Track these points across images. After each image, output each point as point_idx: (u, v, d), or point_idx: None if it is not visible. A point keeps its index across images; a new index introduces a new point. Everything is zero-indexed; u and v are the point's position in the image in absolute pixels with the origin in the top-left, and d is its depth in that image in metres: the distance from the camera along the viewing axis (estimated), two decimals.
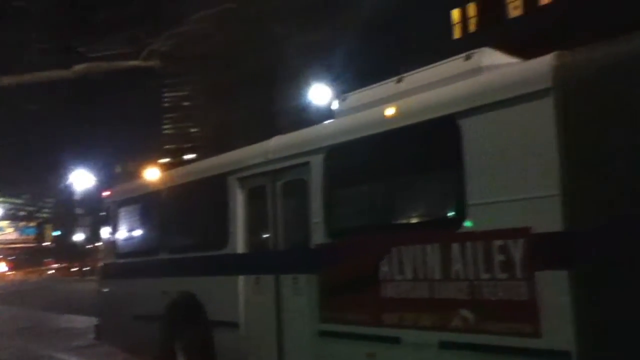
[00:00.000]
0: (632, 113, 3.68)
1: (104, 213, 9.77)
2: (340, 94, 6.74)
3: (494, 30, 24.52)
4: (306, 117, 17.86)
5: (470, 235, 4.43)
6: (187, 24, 16.01)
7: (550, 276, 3.93)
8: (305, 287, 5.76)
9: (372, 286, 5.06)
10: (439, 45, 24.70)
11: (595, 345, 3.73)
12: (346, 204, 5.80)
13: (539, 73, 4.18)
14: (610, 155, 3.75)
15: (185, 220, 7.80)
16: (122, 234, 9.28)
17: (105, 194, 9.98)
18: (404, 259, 4.85)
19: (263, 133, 7.91)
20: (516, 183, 4.20)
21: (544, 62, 4.22)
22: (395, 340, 4.85)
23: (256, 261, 6.54)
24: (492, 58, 5.13)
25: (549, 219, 3.93)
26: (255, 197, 6.60)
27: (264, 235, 6.49)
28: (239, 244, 6.69)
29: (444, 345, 4.53)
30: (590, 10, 21.67)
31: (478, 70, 4.95)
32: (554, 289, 3.90)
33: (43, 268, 63.60)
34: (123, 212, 9.25)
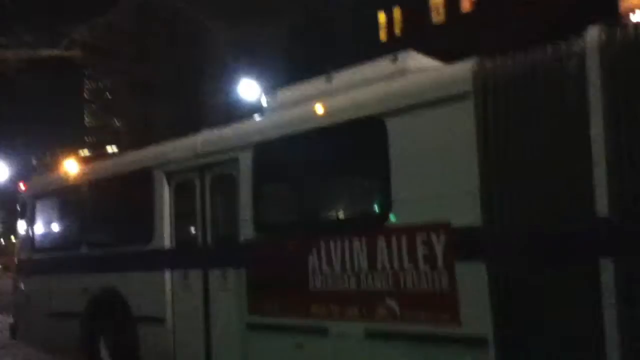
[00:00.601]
0: (544, 118, 3.97)
1: (19, 207, 9.34)
2: (269, 90, 6.79)
3: (419, 35, 25.29)
4: (235, 112, 17.76)
5: (395, 229, 4.62)
6: (111, 14, 15.53)
7: (469, 268, 4.19)
8: (234, 282, 5.79)
9: (300, 279, 5.17)
10: (365, 47, 25.20)
11: (510, 332, 4.00)
12: (275, 200, 5.88)
13: (460, 77, 4.42)
14: (525, 156, 4.02)
15: (109, 214, 7.61)
16: (39, 228, 8.91)
17: (22, 187, 9.54)
18: (331, 252, 4.98)
19: (191, 127, 7.83)
20: (438, 180, 4.42)
21: (465, 67, 4.46)
22: (323, 331, 4.98)
23: (183, 256, 6.48)
24: (417, 61, 5.35)
25: (467, 214, 4.18)
26: (183, 192, 6.55)
27: (192, 230, 6.45)
28: (166, 239, 6.61)
29: (370, 335, 4.70)
30: (509, 19, 22.83)
31: (403, 72, 5.14)
32: (472, 280, 4.15)
33: None
34: (41, 206, 8.88)
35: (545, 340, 3.87)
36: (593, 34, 3.85)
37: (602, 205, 3.66)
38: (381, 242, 4.67)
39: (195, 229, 6.38)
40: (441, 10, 27.80)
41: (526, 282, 3.96)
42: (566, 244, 3.81)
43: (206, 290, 6.10)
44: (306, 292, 5.14)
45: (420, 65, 5.28)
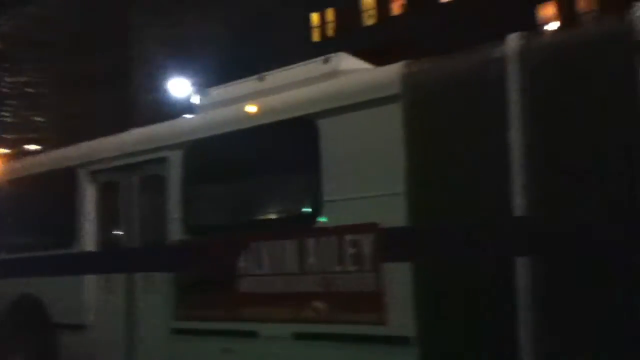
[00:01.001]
0: (467, 121, 4.10)
1: None
2: (201, 89, 6.69)
3: (351, 36, 25.65)
4: (165, 111, 17.35)
5: (325, 230, 4.64)
6: (34, 5, 14.80)
7: (395, 268, 4.25)
8: (160, 285, 5.64)
9: (229, 282, 5.10)
10: (299, 47, 25.28)
11: (432, 332, 4.10)
12: (205, 200, 5.77)
13: (389, 80, 4.50)
14: (448, 158, 4.14)
15: (28, 216, 7.24)
16: None
17: None
18: (261, 254, 4.94)
19: (118, 125, 7.59)
20: (367, 181, 4.48)
21: (393, 70, 4.54)
22: (251, 334, 4.93)
23: (107, 260, 6.26)
24: (348, 63, 5.40)
25: (394, 215, 4.24)
26: (109, 192, 6.32)
27: (117, 233, 6.24)
28: (89, 241, 6.36)
29: (299, 337, 4.69)
30: (438, 24, 23.56)
31: (335, 74, 5.17)
32: (399, 281, 4.22)
33: None
34: None
35: (466, 340, 3.98)
36: (513, 40, 4.02)
37: (519, 206, 3.80)
38: (311, 243, 4.67)
39: (121, 231, 6.18)
40: (372, 12, 28.29)
41: (448, 282, 4.07)
42: (486, 244, 3.94)
43: (131, 295, 5.92)
44: (235, 294, 5.07)
45: (351, 67, 5.33)
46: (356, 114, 4.60)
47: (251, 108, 5.37)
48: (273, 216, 5.42)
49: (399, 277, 4.21)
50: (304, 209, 5.10)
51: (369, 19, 28.39)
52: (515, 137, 3.85)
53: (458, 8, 24.34)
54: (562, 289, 3.68)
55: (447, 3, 25.82)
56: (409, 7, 26.94)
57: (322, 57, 5.43)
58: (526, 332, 3.73)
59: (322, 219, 4.68)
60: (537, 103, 3.81)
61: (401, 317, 4.18)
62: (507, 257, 3.84)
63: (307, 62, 5.61)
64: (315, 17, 30.32)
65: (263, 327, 4.89)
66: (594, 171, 3.63)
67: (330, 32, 29.68)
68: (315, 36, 30.11)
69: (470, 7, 23.45)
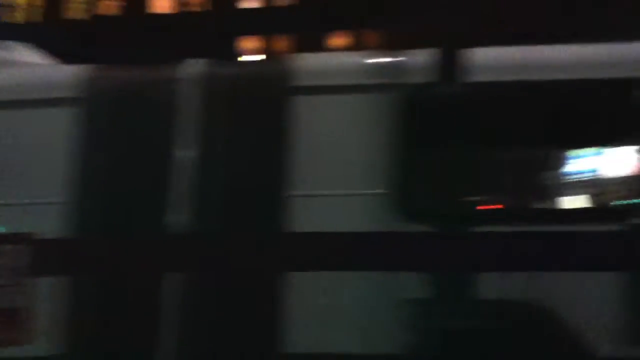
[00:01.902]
0: (138, 134, 4.11)
1: None
2: None
3: (45, 26, 23.87)
4: None
5: None
6: None
7: (47, 282, 3.97)
8: None
9: None
10: None
11: (77, 349, 3.92)
12: None
13: (67, 81, 4.26)
14: (113, 172, 4.08)
15: None
16: None
17: None
18: None
19: None
20: (27, 187, 4.10)
21: (74, 71, 4.34)
22: None
23: None
24: (25, 54, 4.91)
25: (53, 226, 3.99)
26: None
27: None
28: None
29: None
30: (151, 35, 23.50)
31: (6, 63, 4.60)
32: (48, 296, 3.95)
33: None
34: None
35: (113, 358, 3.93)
36: (189, 64, 4.22)
37: (176, 221, 3.91)
38: None
39: None
40: (81, 6, 26.76)
41: (95, 298, 3.96)
42: (140, 259, 3.95)
43: None
44: None
45: (28, 60, 4.86)
46: (23, 112, 4.19)
47: None
48: None
49: (48, 293, 3.94)
50: None
51: (75, 12, 26.67)
52: (179, 154, 4.00)
53: (175, 24, 24.82)
54: (211, 305, 3.86)
55: (163, 15, 26.03)
56: (126, 9, 26.36)
57: None
58: (175, 348, 3.81)
59: None
60: (206, 125, 4.04)
61: (49, 336, 3.91)
62: (159, 272, 3.91)
63: None
64: None
65: None
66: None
67: (25, 16, 26.95)
68: (20, 17, 26.98)
69: (184, 25, 24.14)
